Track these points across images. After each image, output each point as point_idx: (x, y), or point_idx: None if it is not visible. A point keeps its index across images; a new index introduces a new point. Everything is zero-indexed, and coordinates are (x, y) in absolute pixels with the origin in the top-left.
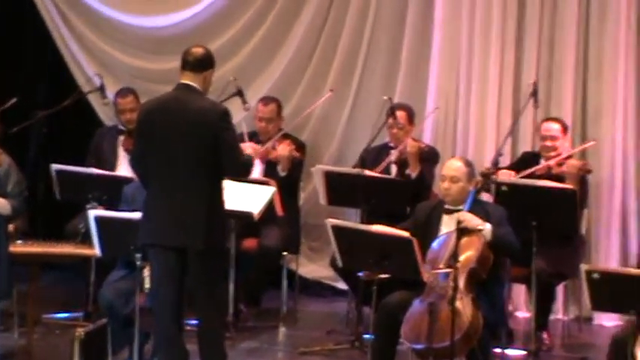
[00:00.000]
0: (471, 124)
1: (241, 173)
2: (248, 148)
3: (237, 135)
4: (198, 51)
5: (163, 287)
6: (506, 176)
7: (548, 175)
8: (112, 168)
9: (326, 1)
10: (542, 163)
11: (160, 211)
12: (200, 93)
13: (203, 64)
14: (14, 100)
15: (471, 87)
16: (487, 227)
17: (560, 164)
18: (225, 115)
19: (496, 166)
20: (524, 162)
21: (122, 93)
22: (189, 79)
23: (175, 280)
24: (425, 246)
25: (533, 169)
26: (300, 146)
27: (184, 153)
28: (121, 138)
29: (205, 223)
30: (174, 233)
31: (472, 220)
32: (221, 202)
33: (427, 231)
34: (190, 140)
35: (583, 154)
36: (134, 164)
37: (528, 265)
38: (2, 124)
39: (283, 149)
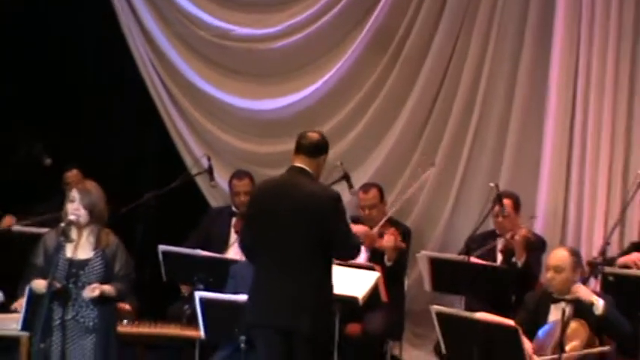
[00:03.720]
0: (583, 213)
1: (352, 256)
2: (360, 229)
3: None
4: (314, 136)
5: None
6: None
7: None
8: (223, 249)
9: (433, 88)
10: None
11: (267, 292)
12: (312, 177)
13: (318, 149)
14: (151, 194)
15: (583, 179)
16: (600, 302)
17: None
18: (337, 199)
19: (604, 255)
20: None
21: (238, 175)
22: (303, 163)
23: None
24: (534, 335)
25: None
26: (405, 232)
27: (294, 236)
28: (234, 220)
29: (313, 307)
30: (281, 315)
31: (588, 294)
32: (329, 285)
33: (536, 320)
34: (301, 223)
35: None
36: (244, 245)
37: (634, 357)
38: (111, 204)
39: (389, 240)
